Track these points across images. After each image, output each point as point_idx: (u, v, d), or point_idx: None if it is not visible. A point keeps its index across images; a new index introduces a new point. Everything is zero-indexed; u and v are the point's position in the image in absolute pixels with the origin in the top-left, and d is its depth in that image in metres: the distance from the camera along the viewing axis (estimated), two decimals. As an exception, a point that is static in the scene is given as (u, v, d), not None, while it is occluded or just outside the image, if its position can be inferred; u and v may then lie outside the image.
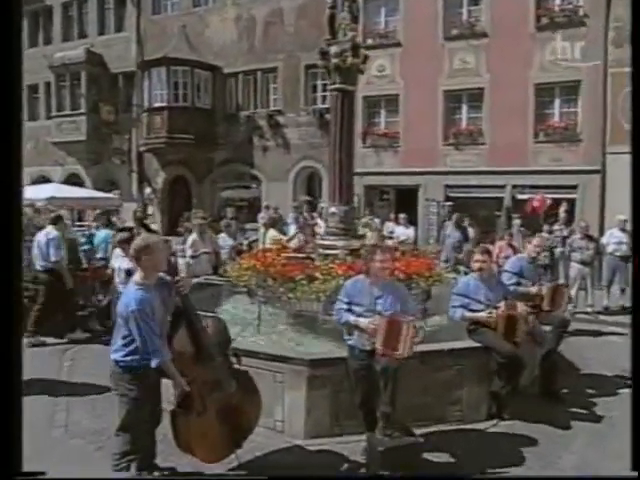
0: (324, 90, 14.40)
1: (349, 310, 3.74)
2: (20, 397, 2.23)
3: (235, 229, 15.26)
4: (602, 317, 8.56)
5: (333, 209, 6.46)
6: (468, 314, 4.49)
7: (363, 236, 7.20)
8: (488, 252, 4.68)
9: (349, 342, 3.79)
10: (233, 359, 3.69)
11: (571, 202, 11.88)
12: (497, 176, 12.56)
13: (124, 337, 3.00)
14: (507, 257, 9.34)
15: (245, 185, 17.99)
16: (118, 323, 3.06)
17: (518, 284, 5.14)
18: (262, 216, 14.09)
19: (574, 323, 8.46)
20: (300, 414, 4.03)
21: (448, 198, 13.55)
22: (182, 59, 16.58)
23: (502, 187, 12.73)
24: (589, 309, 8.74)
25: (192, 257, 8.51)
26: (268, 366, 4.08)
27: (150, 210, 19.21)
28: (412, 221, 12.39)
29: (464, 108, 13.44)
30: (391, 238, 11.58)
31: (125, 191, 19.47)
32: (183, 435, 3.16)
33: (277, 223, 10.24)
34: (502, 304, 4.38)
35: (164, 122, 16.35)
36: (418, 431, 3.96)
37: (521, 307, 4.38)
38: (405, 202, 14.26)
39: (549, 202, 11.64)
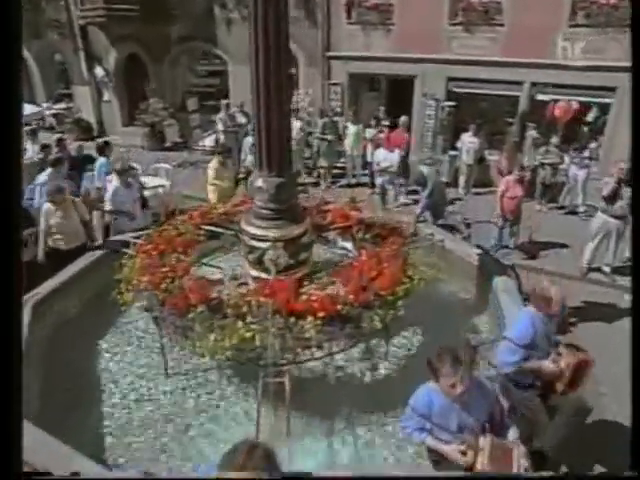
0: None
1: None
2: (20, 395, 2.00)
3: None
4: (619, 279, 6.86)
5: (259, 182, 4.40)
6: (432, 442, 2.79)
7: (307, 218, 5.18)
8: (458, 361, 2.57)
9: None
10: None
11: (603, 110, 9.42)
12: (514, 69, 9.83)
13: None
14: (514, 198, 7.38)
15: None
16: None
17: (525, 359, 3.26)
18: (221, 117, 11.59)
19: (584, 285, 6.84)
20: None
21: (450, 94, 10.93)
22: None
23: (519, 84, 10.06)
24: (606, 268, 7.02)
25: (110, 212, 6.53)
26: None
27: (106, 96, 16.55)
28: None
29: (479, -27, 10.12)
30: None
31: (76, 72, 16.65)
32: None
33: (228, 150, 7.96)
34: (487, 443, 2.60)
35: (98, -12, 12.87)
36: None
37: (523, 464, 2.55)
38: (398, 97, 11.68)
39: (575, 107, 9.15)
